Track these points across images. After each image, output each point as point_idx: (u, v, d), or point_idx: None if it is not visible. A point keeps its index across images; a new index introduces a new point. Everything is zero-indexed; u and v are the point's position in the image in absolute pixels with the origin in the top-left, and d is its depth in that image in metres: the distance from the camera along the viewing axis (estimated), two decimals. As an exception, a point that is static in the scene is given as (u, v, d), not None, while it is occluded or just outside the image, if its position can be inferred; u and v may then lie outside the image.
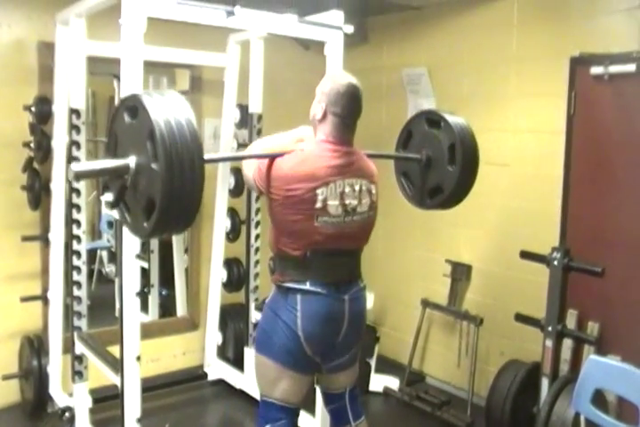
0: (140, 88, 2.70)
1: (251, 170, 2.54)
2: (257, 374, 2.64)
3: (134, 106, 1.93)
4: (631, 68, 3.26)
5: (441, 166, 2.82)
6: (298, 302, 2.47)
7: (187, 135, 1.85)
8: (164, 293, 5.08)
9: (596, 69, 3.40)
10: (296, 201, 2.41)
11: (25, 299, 3.84)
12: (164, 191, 1.82)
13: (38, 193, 3.78)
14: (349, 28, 3.31)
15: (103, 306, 4.72)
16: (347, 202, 2.48)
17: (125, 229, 2.75)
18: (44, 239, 3.84)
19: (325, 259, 2.51)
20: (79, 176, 1.99)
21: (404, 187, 3.03)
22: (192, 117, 1.90)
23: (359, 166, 2.57)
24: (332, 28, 3.28)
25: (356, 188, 2.52)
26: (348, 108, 2.50)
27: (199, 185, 1.89)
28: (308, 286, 2.48)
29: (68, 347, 3.60)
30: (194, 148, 1.86)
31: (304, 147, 2.53)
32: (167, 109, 1.87)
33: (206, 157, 1.95)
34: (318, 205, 2.42)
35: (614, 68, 3.33)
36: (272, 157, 2.48)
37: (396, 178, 3.06)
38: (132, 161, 1.93)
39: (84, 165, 2.10)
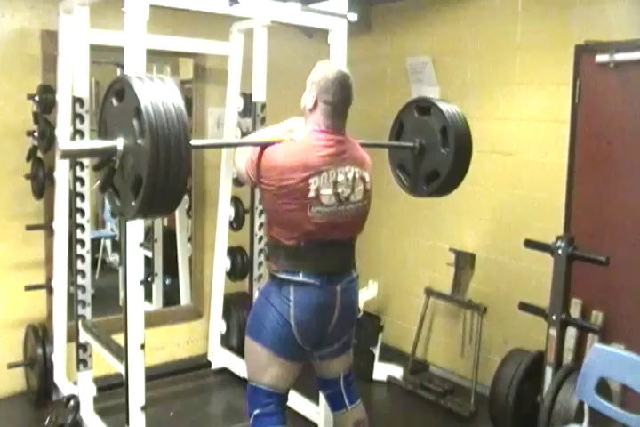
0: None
1: (242, 161, 2.54)
2: (247, 359, 2.70)
3: (122, 88, 1.95)
4: (637, 55, 3.24)
5: (435, 151, 2.85)
6: (291, 293, 2.50)
7: (173, 113, 1.87)
8: (167, 281, 5.10)
9: (601, 57, 3.38)
10: (289, 191, 2.41)
11: (29, 288, 3.85)
12: (150, 166, 1.84)
13: (42, 182, 3.77)
14: (353, 16, 3.29)
15: (107, 295, 4.73)
16: (340, 191, 2.48)
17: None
18: (48, 228, 3.85)
19: (318, 249, 2.52)
20: (66, 155, 1.99)
21: (400, 179, 3.06)
22: (180, 100, 1.92)
23: (352, 155, 2.56)
24: (335, 16, 3.27)
25: (349, 176, 2.51)
26: (339, 95, 2.49)
27: (185, 165, 1.90)
28: (300, 278, 2.50)
29: (73, 335, 3.60)
30: (180, 125, 1.87)
31: (295, 137, 2.51)
32: (155, 90, 1.89)
33: (193, 142, 1.95)
34: (311, 194, 2.41)
35: (620, 56, 3.31)
36: (263, 147, 2.48)
37: (392, 172, 3.10)
38: (119, 142, 1.96)
39: (73, 144, 2.10)
